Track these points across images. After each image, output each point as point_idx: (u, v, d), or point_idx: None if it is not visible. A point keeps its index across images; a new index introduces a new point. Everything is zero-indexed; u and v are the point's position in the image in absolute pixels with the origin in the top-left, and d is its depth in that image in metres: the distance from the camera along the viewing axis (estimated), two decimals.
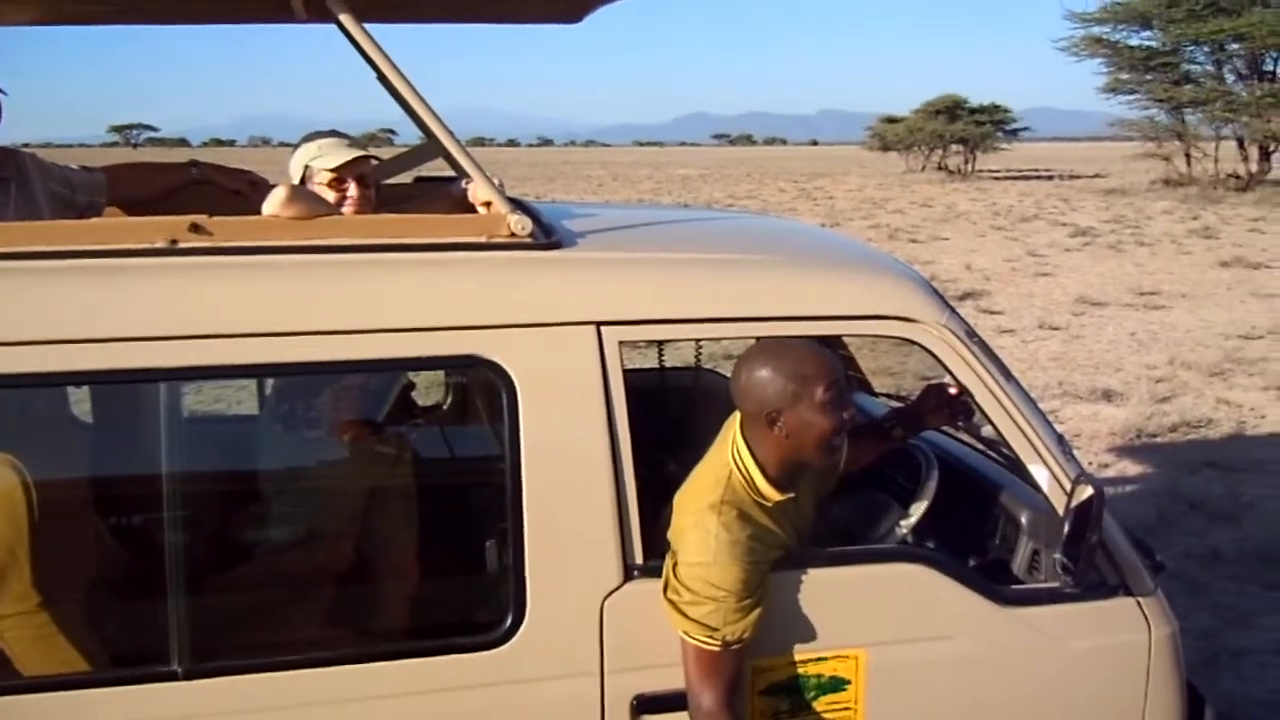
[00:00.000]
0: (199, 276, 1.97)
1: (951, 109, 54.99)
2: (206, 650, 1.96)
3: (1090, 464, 6.70)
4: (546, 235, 2.17)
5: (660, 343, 3.23)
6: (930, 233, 21.79)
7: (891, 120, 61.57)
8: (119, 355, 1.89)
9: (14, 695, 1.92)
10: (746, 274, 2.23)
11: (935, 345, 2.22)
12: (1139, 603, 2.29)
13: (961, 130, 53.17)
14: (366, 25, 2.14)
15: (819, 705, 2.16)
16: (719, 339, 2.25)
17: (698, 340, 2.83)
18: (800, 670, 2.15)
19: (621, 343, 2.09)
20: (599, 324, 2.07)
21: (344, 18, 2.10)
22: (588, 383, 2.05)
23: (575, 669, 2.06)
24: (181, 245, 1.99)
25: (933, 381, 2.50)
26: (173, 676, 1.92)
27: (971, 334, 2.27)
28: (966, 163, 52.71)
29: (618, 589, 2.06)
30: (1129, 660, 2.29)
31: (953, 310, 2.29)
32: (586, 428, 2.05)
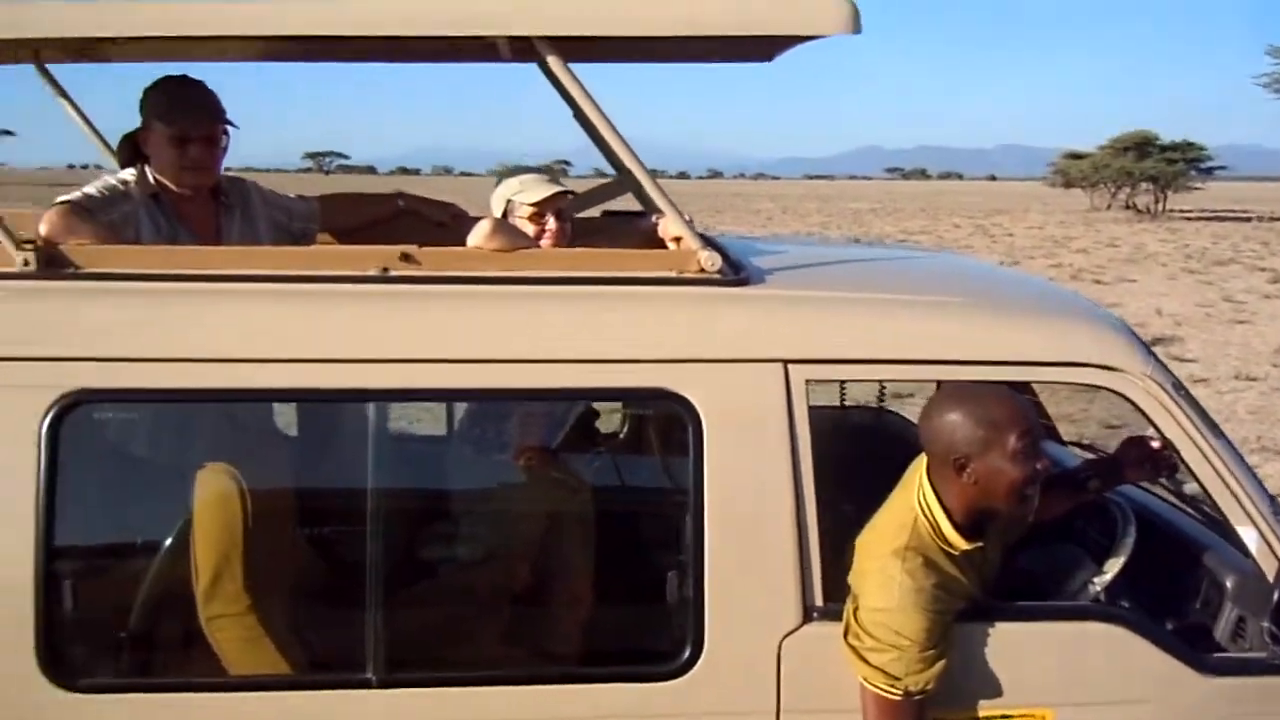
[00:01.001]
0: (408, 303, 2.07)
1: (1141, 145, 52.54)
2: (398, 661, 2.05)
3: None
4: (735, 272, 2.20)
5: (843, 382, 3.20)
6: (1116, 274, 20.85)
7: (1076, 156, 59.31)
8: (334, 375, 2.00)
9: (223, 693, 2.05)
10: (939, 316, 2.19)
11: (1139, 396, 2.13)
12: None
13: (1152, 168, 50.69)
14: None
15: None
16: (909, 381, 2.21)
17: (883, 381, 2.78)
18: None
19: (809, 381, 2.08)
20: (787, 362, 2.07)
21: (550, 59, 2.17)
22: (774, 420, 2.06)
23: (750, 707, 2.06)
24: (393, 273, 2.10)
25: (1134, 434, 2.39)
26: (367, 684, 2.01)
27: (1178, 385, 2.17)
28: (1156, 201, 50.21)
29: (796, 629, 2.05)
30: None
31: (1157, 359, 2.20)
32: (771, 465, 2.05)
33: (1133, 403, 2.13)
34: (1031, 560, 2.47)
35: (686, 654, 2.05)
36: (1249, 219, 45.47)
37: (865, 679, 1.98)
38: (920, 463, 2.14)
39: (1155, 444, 2.29)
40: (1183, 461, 2.16)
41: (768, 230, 35.31)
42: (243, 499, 2.15)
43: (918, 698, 1.96)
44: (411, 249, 2.12)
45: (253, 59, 2.98)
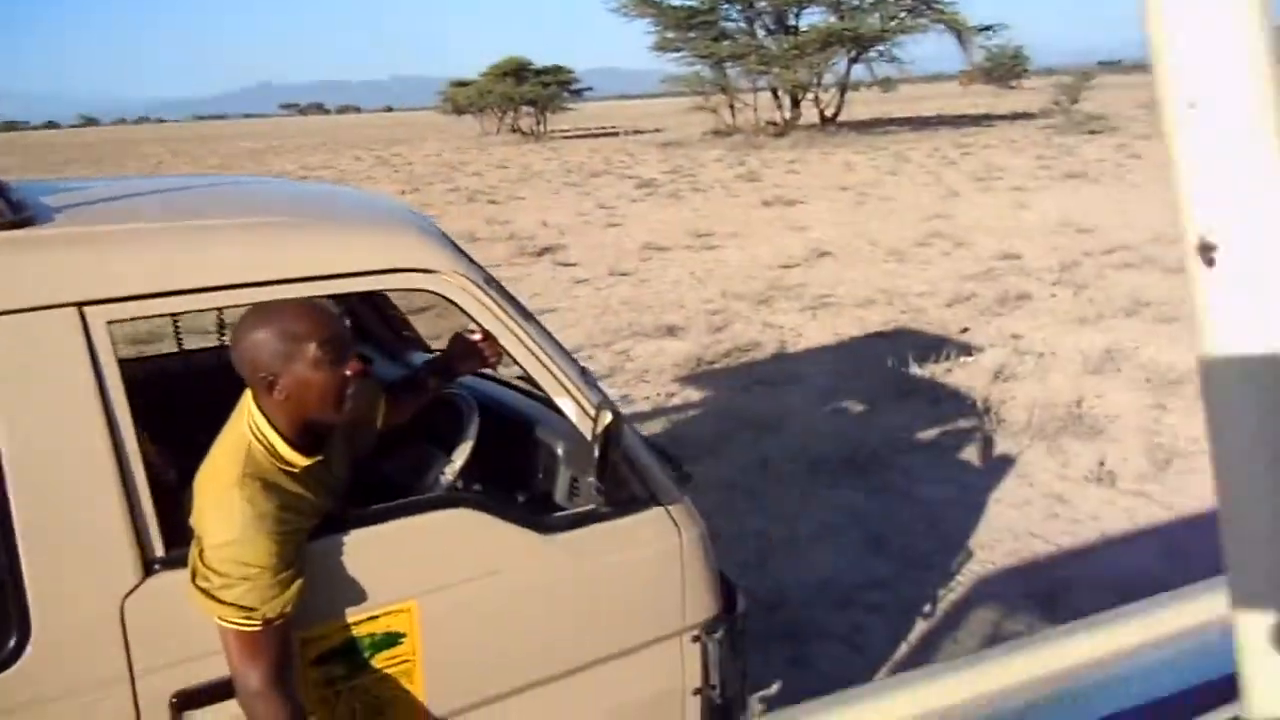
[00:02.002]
0: None
1: (517, 71, 56.26)
2: None
3: (659, 394, 7.20)
4: (16, 213, 1.95)
5: (175, 323, 3.04)
6: (508, 193, 22.26)
7: (462, 84, 61.93)
8: None
9: None
10: (249, 238, 2.12)
11: (454, 294, 2.25)
12: (668, 510, 2.48)
13: (529, 92, 54.57)
14: None
15: (376, 663, 2.15)
16: (228, 308, 2.13)
17: (200, 313, 2.68)
18: (353, 633, 2.12)
19: (111, 323, 1.92)
20: (81, 304, 1.89)
21: None
22: (75, 369, 1.88)
23: (99, 678, 1.90)
24: None
25: (459, 330, 2.54)
26: None
27: (489, 280, 2.32)
28: (538, 124, 54.22)
29: (138, 587, 1.92)
30: (664, 563, 2.48)
31: (469, 258, 2.34)
32: (80, 419, 1.88)
33: (450, 300, 2.25)
34: (390, 464, 2.55)
35: (13, 641, 1.83)
36: (617, 134, 50.88)
37: (221, 617, 1.91)
38: (249, 391, 2.09)
39: (477, 336, 2.45)
40: (504, 348, 2.34)
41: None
42: None
43: (278, 623, 1.94)
44: None
45: None
